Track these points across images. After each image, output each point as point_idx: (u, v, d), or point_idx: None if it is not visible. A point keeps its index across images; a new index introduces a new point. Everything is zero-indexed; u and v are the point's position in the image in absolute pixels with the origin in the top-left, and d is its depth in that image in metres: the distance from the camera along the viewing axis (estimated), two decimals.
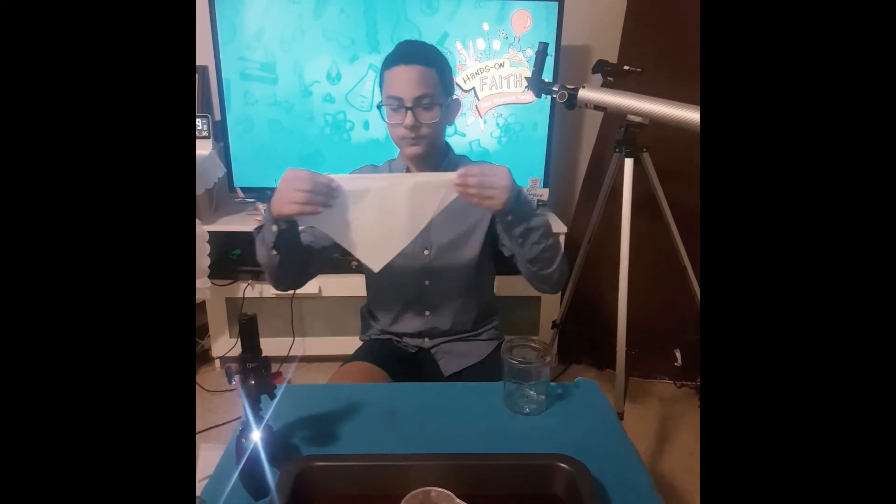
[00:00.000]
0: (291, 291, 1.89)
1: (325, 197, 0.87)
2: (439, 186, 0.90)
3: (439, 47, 1.15)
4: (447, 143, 1.15)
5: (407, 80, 1.00)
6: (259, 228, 0.98)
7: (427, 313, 1.15)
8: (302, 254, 1.02)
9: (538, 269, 1.02)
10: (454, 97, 1.09)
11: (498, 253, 1.15)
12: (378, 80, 1.08)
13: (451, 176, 0.88)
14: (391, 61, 1.03)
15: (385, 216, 0.91)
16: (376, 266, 0.93)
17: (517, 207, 0.93)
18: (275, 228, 0.92)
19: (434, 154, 1.10)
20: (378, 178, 0.90)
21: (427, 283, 1.14)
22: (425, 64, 1.01)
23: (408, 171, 1.12)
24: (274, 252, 0.95)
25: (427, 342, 1.18)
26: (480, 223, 1.12)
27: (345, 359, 1.16)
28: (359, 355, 1.16)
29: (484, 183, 0.88)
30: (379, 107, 1.06)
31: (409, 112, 1.01)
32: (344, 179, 0.89)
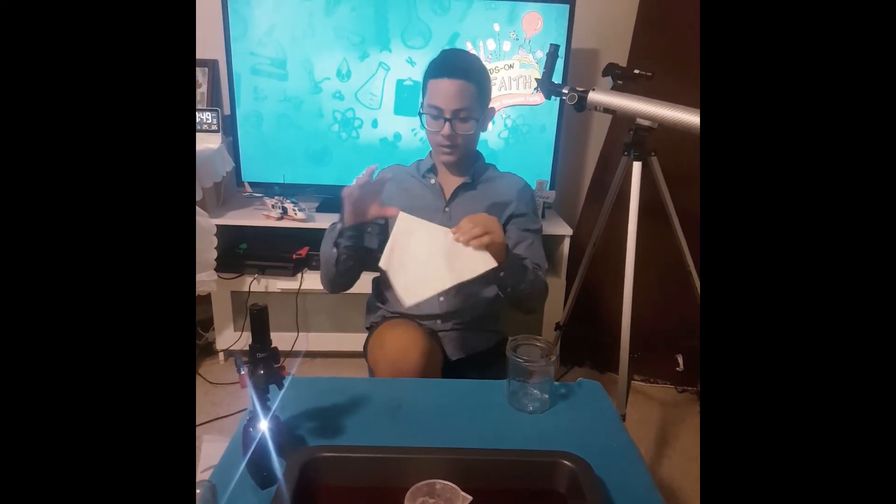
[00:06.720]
0: (297, 286, 1.91)
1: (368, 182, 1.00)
2: (474, 256, 0.96)
3: (448, 48, 1.19)
4: (478, 151, 1.26)
5: (449, 93, 1.10)
6: (333, 225, 1.13)
7: (441, 298, 1.19)
8: (358, 259, 1.14)
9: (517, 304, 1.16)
10: (490, 107, 1.19)
11: None
12: (422, 86, 1.17)
13: (450, 235, 0.97)
14: (436, 71, 1.12)
15: (427, 259, 0.97)
16: (408, 301, 0.96)
17: (509, 264, 1.03)
18: (339, 226, 1.08)
19: (465, 160, 1.22)
20: (424, 226, 0.99)
21: None
22: (467, 79, 1.11)
23: (436, 173, 1.24)
24: (334, 250, 1.10)
25: (438, 324, 1.22)
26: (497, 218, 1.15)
27: (349, 354, 1.17)
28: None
29: (477, 223, 0.96)
30: (420, 114, 1.17)
31: (448, 123, 1.12)
32: (401, 217, 0.99)
